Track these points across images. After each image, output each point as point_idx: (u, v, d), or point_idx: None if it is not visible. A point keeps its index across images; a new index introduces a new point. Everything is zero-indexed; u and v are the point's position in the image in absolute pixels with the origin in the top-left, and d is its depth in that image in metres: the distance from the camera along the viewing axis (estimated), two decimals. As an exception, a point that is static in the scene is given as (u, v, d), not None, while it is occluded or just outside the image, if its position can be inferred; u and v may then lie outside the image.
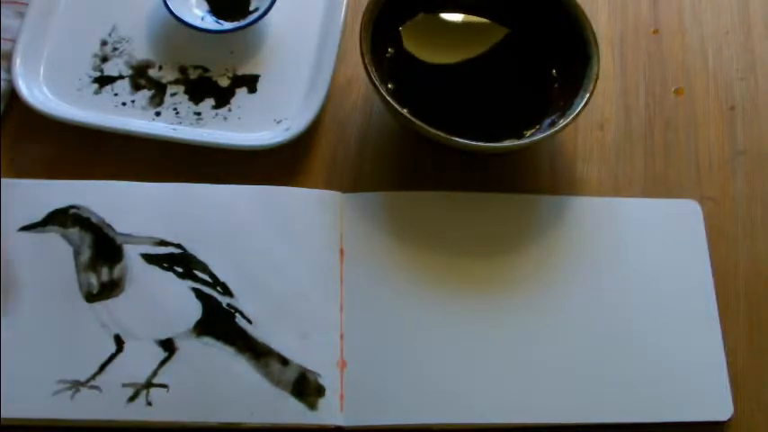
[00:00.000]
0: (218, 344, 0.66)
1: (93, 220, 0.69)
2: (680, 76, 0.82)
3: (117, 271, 0.68)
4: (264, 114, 0.76)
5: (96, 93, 0.76)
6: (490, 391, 0.66)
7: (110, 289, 0.67)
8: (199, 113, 0.76)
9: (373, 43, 0.72)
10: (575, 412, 0.66)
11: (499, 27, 0.79)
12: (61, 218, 0.69)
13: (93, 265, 0.68)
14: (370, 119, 0.78)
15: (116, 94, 0.76)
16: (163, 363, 0.65)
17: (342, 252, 0.70)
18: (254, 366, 0.65)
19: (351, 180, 0.75)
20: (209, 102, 0.76)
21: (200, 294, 0.67)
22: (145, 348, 0.65)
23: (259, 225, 0.70)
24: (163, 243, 0.69)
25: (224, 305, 0.67)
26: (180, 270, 0.68)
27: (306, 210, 0.71)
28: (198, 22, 0.78)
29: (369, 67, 0.71)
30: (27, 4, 0.78)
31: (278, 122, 0.76)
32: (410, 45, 0.78)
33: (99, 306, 0.66)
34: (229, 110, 0.76)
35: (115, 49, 0.78)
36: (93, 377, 0.64)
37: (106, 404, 0.63)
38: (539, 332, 0.69)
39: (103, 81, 0.77)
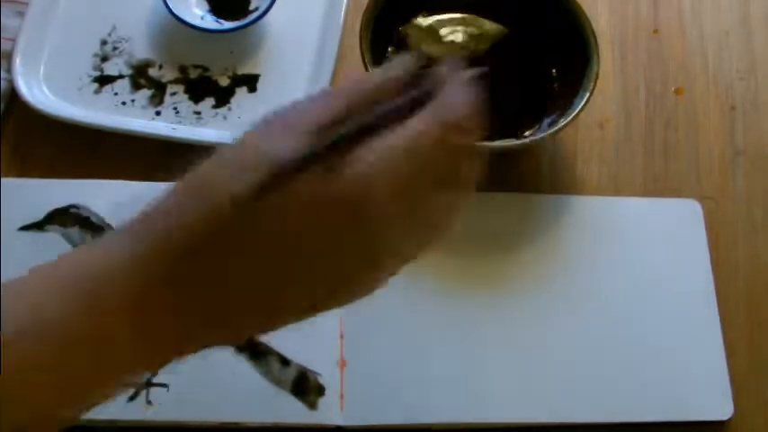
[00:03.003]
0: (218, 343, 0.66)
1: (94, 219, 0.69)
2: (680, 76, 0.82)
3: (117, 271, 0.68)
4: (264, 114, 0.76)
5: (96, 92, 0.76)
6: (490, 391, 0.66)
7: (110, 289, 0.67)
8: (199, 113, 0.76)
9: (373, 43, 0.72)
10: (575, 412, 0.66)
11: (499, 27, 0.79)
12: (61, 217, 0.69)
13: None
14: (370, 119, 0.78)
15: (116, 94, 0.76)
16: (163, 362, 0.65)
17: (342, 252, 0.70)
18: (253, 366, 0.65)
19: (351, 180, 0.75)
20: (210, 101, 0.76)
21: (200, 294, 0.67)
22: (145, 348, 0.65)
23: (259, 225, 0.70)
24: (163, 242, 0.69)
25: (224, 305, 0.67)
26: (180, 269, 0.68)
27: (306, 209, 0.71)
28: (198, 22, 0.78)
29: (369, 67, 0.71)
30: (27, 4, 0.78)
31: (278, 122, 0.75)
32: (410, 45, 0.78)
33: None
34: (229, 109, 0.76)
35: (115, 48, 0.78)
36: (94, 377, 0.64)
37: (106, 403, 0.63)
38: (538, 332, 0.69)
39: (103, 80, 0.77)
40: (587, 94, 0.71)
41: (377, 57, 0.72)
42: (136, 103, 0.76)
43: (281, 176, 0.39)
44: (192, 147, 0.73)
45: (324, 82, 0.76)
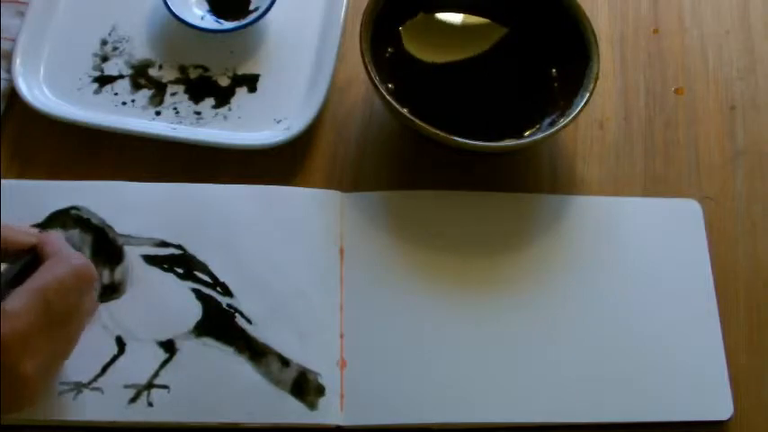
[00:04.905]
0: (219, 344, 0.66)
1: (94, 221, 0.69)
2: (680, 75, 0.82)
3: (118, 273, 0.68)
4: (264, 114, 0.76)
5: (96, 92, 0.76)
6: (490, 391, 0.67)
7: (111, 291, 0.67)
8: (199, 113, 0.76)
9: (373, 43, 0.72)
10: (575, 412, 0.66)
11: (499, 27, 0.79)
12: (62, 219, 0.69)
13: (95, 267, 0.68)
14: (370, 119, 0.78)
15: (116, 94, 0.76)
16: (164, 364, 0.65)
17: (342, 251, 0.70)
18: (254, 366, 0.65)
19: (351, 180, 0.75)
20: (210, 101, 0.76)
21: (200, 295, 0.67)
22: (146, 350, 0.65)
23: (259, 225, 0.70)
24: (163, 244, 0.69)
25: (224, 305, 0.67)
26: (180, 271, 0.68)
27: (306, 209, 0.71)
28: (198, 22, 0.78)
29: (369, 67, 0.71)
30: (27, 4, 0.78)
31: (278, 122, 0.76)
32: (410, 45, 0.78)
33: (101, 308, 0.66)
34: (229, 109, 0.76)
35: (115, 48, 0.78)
36: (96, 379, 0.64)
37: (108, 405, 0.63)
38: (538, 332, 0.69)
39: (103, 80, 0.77)
40: (587, 94, 0.71)
41: (377, 57, 0.73)
42: (136, 103, 0.76)
43: None
44: (192, 147, 0.74)
45: (324, 82, 0.76)
